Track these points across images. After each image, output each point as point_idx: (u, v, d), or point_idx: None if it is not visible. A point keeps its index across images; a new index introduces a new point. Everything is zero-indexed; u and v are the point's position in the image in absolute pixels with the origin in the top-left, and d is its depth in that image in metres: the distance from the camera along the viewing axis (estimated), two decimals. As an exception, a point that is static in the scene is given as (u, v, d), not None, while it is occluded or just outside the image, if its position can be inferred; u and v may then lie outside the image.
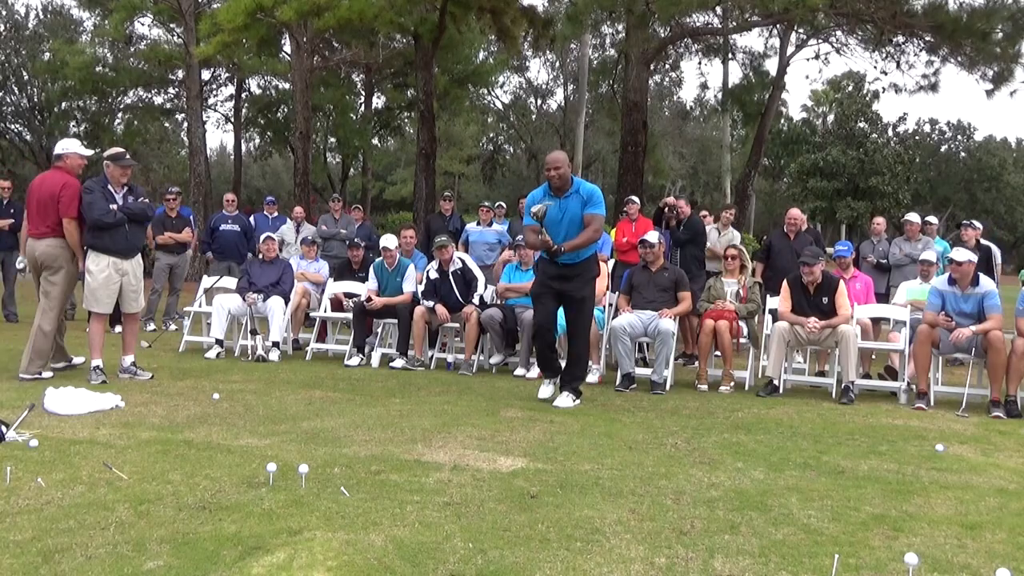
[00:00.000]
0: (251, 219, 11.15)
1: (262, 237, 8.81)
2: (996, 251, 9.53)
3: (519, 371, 7.49)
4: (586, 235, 5.75)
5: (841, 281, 7.06)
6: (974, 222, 9.51)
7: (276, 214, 11.39)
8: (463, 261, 7.99)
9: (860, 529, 3.22)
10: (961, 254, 6.42)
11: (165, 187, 11.93)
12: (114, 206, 6.29)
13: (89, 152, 6.70)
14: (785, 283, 7.09)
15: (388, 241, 8.36)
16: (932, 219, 9.65)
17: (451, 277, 7.86)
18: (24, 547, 2.76)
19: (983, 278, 6.48)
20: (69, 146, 6.54)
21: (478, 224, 9.98)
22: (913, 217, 9.46)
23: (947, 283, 6.51)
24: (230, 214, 10.77)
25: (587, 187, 5.81)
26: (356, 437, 4.59)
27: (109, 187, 6.35)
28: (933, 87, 16.88)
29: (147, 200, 6.59)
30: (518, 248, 8.13)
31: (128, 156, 6.61)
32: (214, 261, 10.65)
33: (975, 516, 3.45)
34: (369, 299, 8.11)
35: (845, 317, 6.74)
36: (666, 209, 8.89)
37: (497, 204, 10.66)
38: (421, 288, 8.07)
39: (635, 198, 9.75)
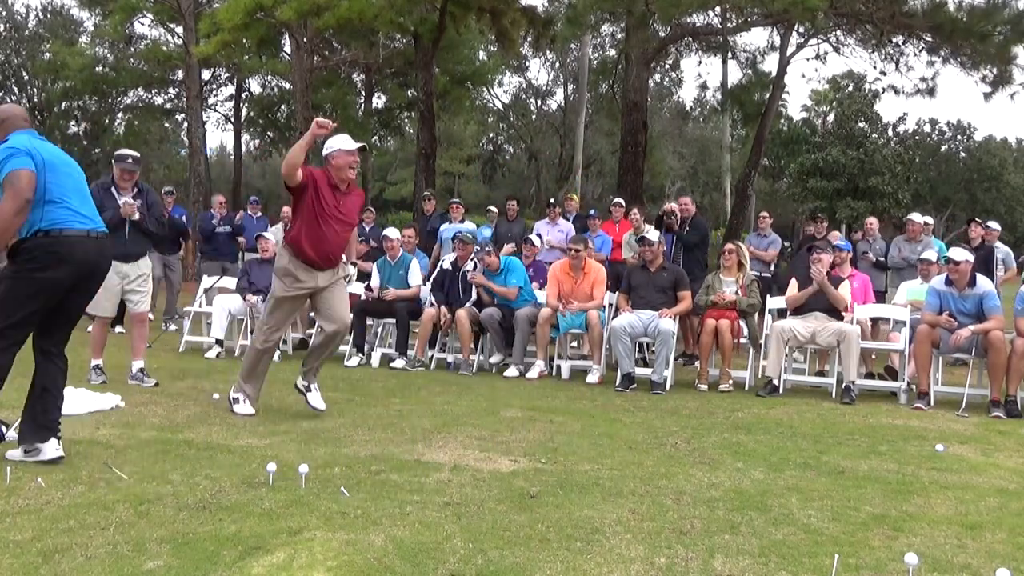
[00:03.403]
0: (238, 217, 11.27)
1: (255, 236, 8.89)
2: (1004, 253, 9.47)
3: (509, 371, 7.40)
4: None
5: (846, 281, 7.25)
6: (991, 223, 9.50)
7: (260, 214, 11.55)
8: (476, 264, 7.95)
9: (860, 529, 3.22)
10: (959, 253, 6.41)
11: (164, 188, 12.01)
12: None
13: (354, 146, 5.22)
14: (793, 279, 7.36)
15: (391, 232, 8.39)
16: (928, 219, 9.66)
17: (462, 275, 7.88)
18: (24, 547, 2.76)
19: (980, 278, 6.46)
20: (331, 143, 5.27)
21: (451, 222, 10.02)
22: (916, 217, 9.45)
23: (944, 283, 6.50)
24: (220, 216, 10.91)
25: None
26: (356, 437, 4.59)
27: (112, 189, 6.19)
28: (931, 91, 16.83)
29: (153, 197, 6.43)
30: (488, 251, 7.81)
31: (130, 158, 6.28)
32: (207, 262, 10.80)
33: (975, 516, 3.46)
34: (384, 288, 8.05)
35: (844, 304, 6.92)
36: (664, 216, 8.79)
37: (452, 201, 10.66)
38: (428, 283, 8.09)
39: (620, 200, 9.92)
